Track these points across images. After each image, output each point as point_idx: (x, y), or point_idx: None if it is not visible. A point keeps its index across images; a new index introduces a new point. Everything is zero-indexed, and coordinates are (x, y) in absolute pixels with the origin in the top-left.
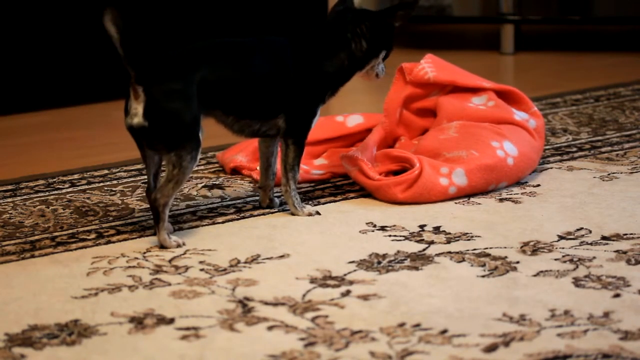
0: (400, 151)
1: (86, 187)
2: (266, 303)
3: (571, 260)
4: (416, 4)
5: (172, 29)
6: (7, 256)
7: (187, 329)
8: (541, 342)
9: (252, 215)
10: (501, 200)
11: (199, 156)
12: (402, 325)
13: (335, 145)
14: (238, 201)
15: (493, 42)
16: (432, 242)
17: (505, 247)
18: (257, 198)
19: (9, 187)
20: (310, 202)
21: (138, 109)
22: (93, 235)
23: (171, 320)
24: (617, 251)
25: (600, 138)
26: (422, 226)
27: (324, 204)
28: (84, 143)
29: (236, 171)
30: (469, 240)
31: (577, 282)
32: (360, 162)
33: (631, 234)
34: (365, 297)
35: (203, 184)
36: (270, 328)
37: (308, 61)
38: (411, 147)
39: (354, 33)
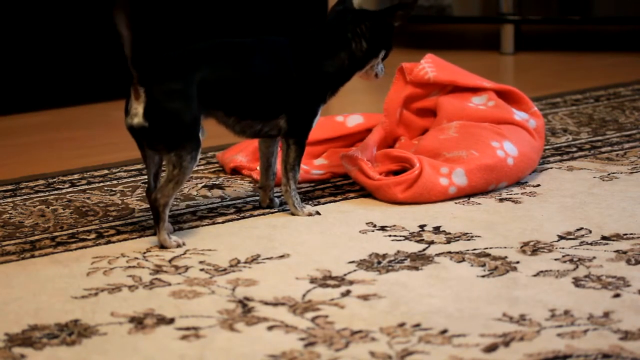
0: (400, 151)
1: (86, 187)
2: (266, 303)
3: (571, 260)
4: (415, 3)
5: (173, 29)
6: (7, 256)
7: (187, 329)
8: (541, 342)
9: (252, 215)
10: (501, 200)
11: (199, 156)
12: (402, 325)
13: (335, 145)
14: (238, 201)
15: (493, 42)
16: (432, 242)
17: (505, 247)
18: (257, 198)
19: (9, 187)
20: (310, 202)
21: (138, 109)
22: (93, 235)
23: (171, 320)
24: (617, 251)
25: (600, 138)
26: (422, 226)
27: (324, 204)
28: (84, 143)
29: (236, 171)
30: (469, 240)
31: (577, 282)
32: (361, 161)
33: (631, 234)
34: (365, 297)
35: (203, 184)
36: (270, 328)
37: (309, 61)
38: (411, 147)
39: (354, 33)
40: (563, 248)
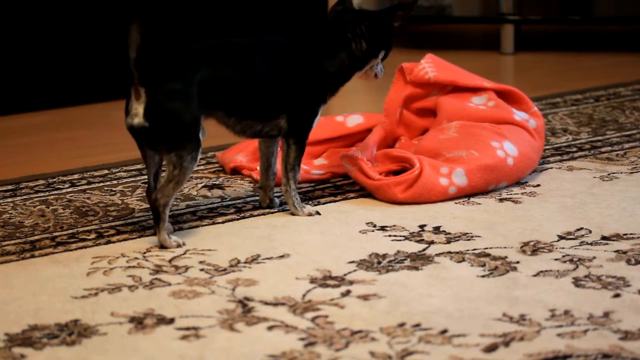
0: (400, 151)
1: (86, 187)
2: (266, 303)
3: (571, 260)
4: (415, 4)
5: (173, 29)
6: (7, 256)
7: (187, 329)
8: (541, 342)
9: (252, 215)
10: (501, 200)
11: (199, 156)
12: (402, 325)
13: (335, 145)
14: (238, 201)
15: (493, 42)
16: (432, 242)
17: (505, 247)
18: (257, 198)
19: (9, 187)
20: (310, 202)
21: (139, 109)
22: (93, 235)
23: (171, 320)
24: (617, 251)
25: (600, 138)
26: (422, 226)
27: (324, 204)
28: (84, 143)
29: (236, 171)
30: (469, 240)
31: (577, 282)
32: (361, 161)
33: (631, 234)
34: (365, 297)
35: (203, 184)
36: (270, 328)
37: (309, 61)
38: (411, 147)
39: (354, 33)
40: (563, 248)
